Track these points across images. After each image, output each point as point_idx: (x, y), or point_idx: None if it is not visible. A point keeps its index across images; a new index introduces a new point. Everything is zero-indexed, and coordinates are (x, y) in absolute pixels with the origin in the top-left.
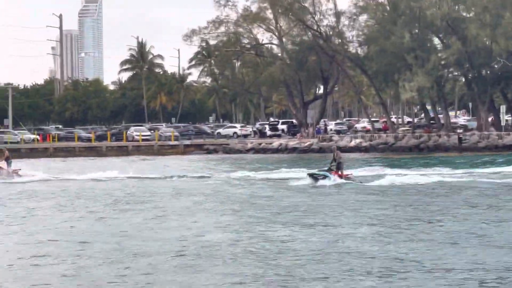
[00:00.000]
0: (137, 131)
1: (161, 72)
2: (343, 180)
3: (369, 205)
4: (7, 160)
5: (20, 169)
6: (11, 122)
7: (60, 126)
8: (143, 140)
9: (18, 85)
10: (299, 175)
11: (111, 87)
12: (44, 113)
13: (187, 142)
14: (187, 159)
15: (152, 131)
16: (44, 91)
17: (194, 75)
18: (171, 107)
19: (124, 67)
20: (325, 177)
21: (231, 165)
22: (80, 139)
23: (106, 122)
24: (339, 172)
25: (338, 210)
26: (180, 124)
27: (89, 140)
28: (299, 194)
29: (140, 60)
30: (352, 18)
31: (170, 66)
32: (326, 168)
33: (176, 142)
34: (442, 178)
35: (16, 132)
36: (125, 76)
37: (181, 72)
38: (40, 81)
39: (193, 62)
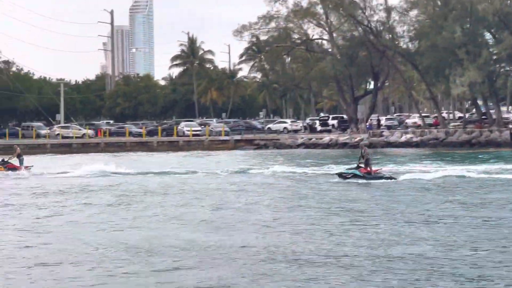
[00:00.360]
0: (188, 126)
1: (212, 68)
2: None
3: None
4: (19, 157)
5: (32, 166)
6: (62, 117)
7: (111, 121)
8: (193, 135)
9: (70, 80)
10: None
11: (162, 83)
12: (95, 108)
13: (238, 137)
14: (237, 154)
15: (203, 126)
16: (95, 87)
17: (244, 71)
18: (222, 103)
19: (175, 62)
20: (354, 175)
21: (290, 160)
22: (131, 134)
23: (157, 118)
24: (368, 169)
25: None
26: (230, 119)
27: (140, 135)
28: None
29: (191, 55)
30: (403, 13)
31: (221, 61)
32: (354, 166)
33: (226, 137)
34: (487, 174)
35: (80, 126)
36: (175, 71)
37: (231, 67)
38: (92, 77)
39: (244, 58)
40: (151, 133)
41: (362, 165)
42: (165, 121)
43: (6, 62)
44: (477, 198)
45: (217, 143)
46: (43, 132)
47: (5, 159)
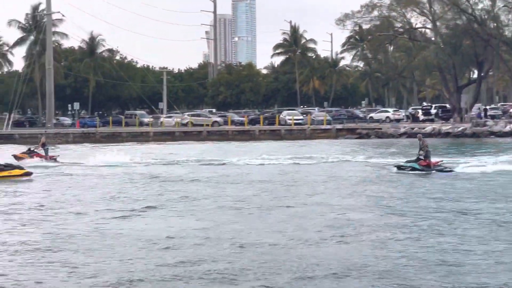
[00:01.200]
0: (290, 115)
1: (314, 57)
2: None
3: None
4: (44, 146)
5: (58, 155)
6: (165, 105)
7: (214, 110)
8: (295, 124)
9: (173, 69)
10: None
11: (264, 71)
12: (198, 97)
13: (339, 126)
14: (339, 143)
15: (305, 115)
16: (198, 75)
17: (346, 60)
18: (324, 91)
19: (277, 51)
20: (413, 168)
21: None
22: (233, 122)
23: (259, 106)
24: (427, 161)
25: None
26: (332, 108)
27: (242, 124)
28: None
29: (293, 44)
30: (508, 1)
31: (323, 50)
32: (414, 159)
33: (328, 126)
34: None
35: (210, 115)
36: (278, 60)
37: (333, 56)
38: (194, 65)
39: (346, 47)
40: (253, 121)
41: (422, 157)
42: (267, 110)
43: (110, 51)
44: None
45: (319, 132)
46: (146, 120)
47: (31, 148)
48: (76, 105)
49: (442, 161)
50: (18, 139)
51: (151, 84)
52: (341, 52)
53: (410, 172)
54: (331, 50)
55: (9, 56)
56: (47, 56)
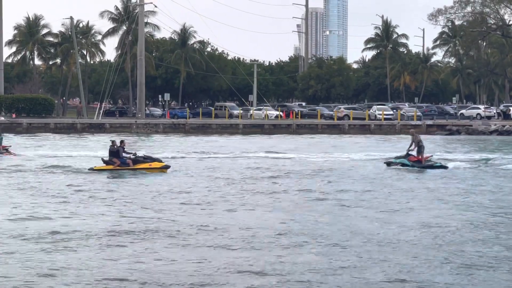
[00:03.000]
0: (380, 110)
1: (405, 52)
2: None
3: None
4: None
5: (10, 146)
6: (255, 98)
7: (303, 103)
8: (385, 119)
9: (263, 61)
10: None
11: (355, 66)
12: (288, 90)
13: (430, 122)
14: (430, 139)
15: (395, 110)
16: (288, 68)
17: (438, 55)
18: (414, 87)
19: (368, 45)
20: (402, 164)
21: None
22: (322, 116)
23: (349, 100)
24: (419, 156)
25: None
26: (422, 104)
27: (331, 118)
28: None
29: (385, 39)
30: None
31: (414, 45)
32: (403, 154)
33: (418, 122)
34: None
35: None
36: (369, 55)
37: (425, 52)
38: (285, 58)
39: (438, 42)
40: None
41: (413, 153)
42: (357, 105)
43: (202, 42)
44: None
45: (409, 128)
46: (235, 112)
47: None
48: (167, 96)
49: (431, 156)
50: (109, 129)
51: (242, 76)
52: (433, 47)
53: (401, 168)
54: (423, 46)
55: (101, 46)
56: (139, 46)
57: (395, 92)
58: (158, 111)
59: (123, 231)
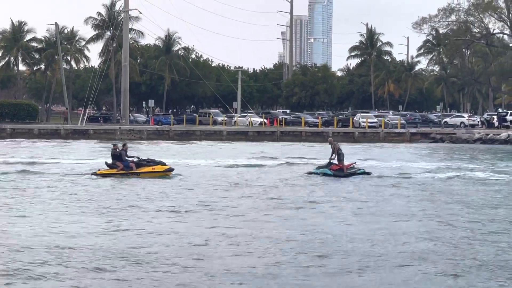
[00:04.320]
0: (364, 118)
1: (390, 60)
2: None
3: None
4: None
5: None
6: (239, 105)
7: (288, 111)
8: (369, 126)
9: (248, 68)
10: None
11: (339, 74)
12: (272, 97)
13: (414, 130)
14: (414, 148)
15: (379, 118)
16: (273, 76)
17: (422, 64)
18: (398, 95)
19: (353, 53)
20: (324, 174)
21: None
22: (307, 124)
23: (333, 108)
24: (340, 165)
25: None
26: (406, 112)
27: (315, 125)
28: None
29: (369, 47)
30: None
31: (399, 53)
32: (325, 164)
33: (402, 130)
34: None
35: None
36: (353, 62)
37: (409, 60)
38: (269, 65)
39: (422, 50)
40: (327, 123)
41: (335, 161)
42: (341, 112)
43: (186, 49)
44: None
45: (393, 136)
46: (219, 119)
47: None
48: (151, 102)
49: (355, 163)
50: (92, 135)
51: (226, 83)
52: (417, 55)
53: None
54: (407, 54)
55: (86, 52)
56: (123, 53)
57: (379, 100)
58: (142, 117)
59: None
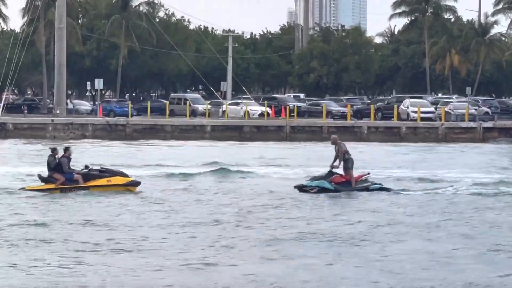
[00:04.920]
0: (414, 106)
1: (453, 20)
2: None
3: None
4: None
5: None
6: (230, 87)
7: (302, 95)
8: (422, 119)
9: (243, 33)
10: None
11: (377, 40)
12: (279, 75)
13: (489, 124)
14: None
15: (436, 106)
16: (280, 43)
17: (501, 25)
18: (466, 72)
19: (398, 10)
20: (321, 189)
21: None
22: (330, 114)
23: (369, 91)
24: (347, 175)
25: None
26: (478, 98)
27: (343, 116)
28: None
29: (422, 1)
30: None
31: (466, 10)
32: (325, 173)
33: (471, 124)
34: None
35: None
36: (398, 24)
37: (482, 20)
38: (274, 28)
39: (501, 5)
40: (359, 114)
41: (339, 171)
42: (381, 97)
43: (151, 4)
44: None
45: (458, 132)
46: (201, 107)
47: None
48: (99, 83)
49: (368, 174)
50: (12, 131)
51: (210, 54)
52: (493, 13)
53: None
54: (479, 11)
55: (2, 8)
56: (57, 9)
57: (437, 79)
58: (86, 105)
59: None
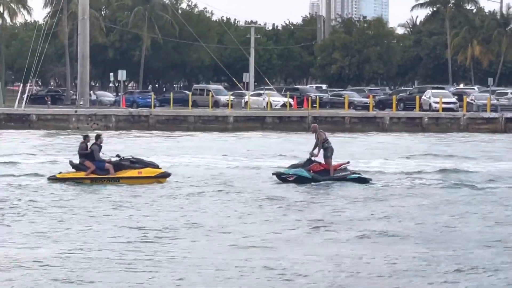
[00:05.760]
0: (437, 96)
1: (475, 11)
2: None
3: None
4: None
5: None
6: (252, 78)
7: (324, 86)
8: (444, 109)
9: (265, 24)
10: None
11: (400, 31)
12: (301, 66)
13: (511, 114)
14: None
15: (457, 97)
16: (302, 34)
17: None
18: (488, 63)
19: (420, 1)
20: (298, 177)
21: None
22: (352, 105)
23: (391, 82)
24: (327, 164)
25: None
26: (499, 88)
27: (365, 107)
28: None
29: None
30: None
31: (488, 1)
32: (303, 161)
33: (494, 114)
34: None
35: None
36: (420, 15)
37: (504, 11)
38: (296, 20)
39: None
40: (381, 104)
41: (317, 158)
42: (403, 88)
43: None
44: None
45: (480, 123)
46: (223, 98)
47: None
48: (122, 75)
49: (348, 163)
50: (36, 122)
51: (233, 45)
52: None
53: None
54: (501, 2)
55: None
56: (80, 0)
57: (459, 70)
58: (109, 96)
59: None
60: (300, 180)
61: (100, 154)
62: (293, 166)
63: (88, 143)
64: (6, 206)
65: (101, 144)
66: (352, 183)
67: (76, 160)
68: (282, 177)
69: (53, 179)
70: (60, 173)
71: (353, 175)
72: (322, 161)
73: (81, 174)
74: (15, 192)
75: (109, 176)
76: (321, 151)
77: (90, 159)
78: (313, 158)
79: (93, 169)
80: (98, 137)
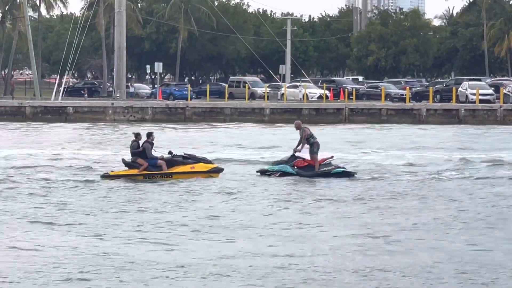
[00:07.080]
0: (473, 88)
1: (511, 2)
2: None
3: None
4: None
5: None
6: (288, 70)
7: (360, 78)
8: (481, 101)
9: (301, 16)
10: None
11: (436, 23)
12: (337, 58)
13: None
14: None
15: (494, 89)
16: (338, 26)
17: None
18: None
19: None
20: (283, 173)
21: None
22: (388, 97)
23: (428, 74)
24: (312, 159)
25: None
26: None
27: (401, 99)
28: None
29: None
30: None
31: None
32: (288, 157)
33: None
34: None
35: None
36: (457, 6)
37: None
38: (333, 12)
39: None
40: (418, 96)
41: (301, 154)
42: (439, 80)
43: None
44: None
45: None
46: (260, 90)
47: None
48: (158, 67)
49: (332, 157)
50: (72, 114)
51: (269, 37)
52: None
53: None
54: None
55: None
56: None
57: (496, 62)
58: (145, 88)
59: None
60: (284, 175)
61: (152, 151)
62: (277, 163)
63: (140, 141)
64: (70, 207)
65: (153, 142)
66: (338, 177)
67: (129, 158)
68: (266, 174)
69: (106, 176)
70: (113, 171)
71: (337, 169)
72: (307, 157)
73: (134, 172)
74: (71, 191)
75: (161, 172)
76: (308, 147)
77: (143, 157)
78: (296, 154)
79: (146, 166)
80: (149, 135)
